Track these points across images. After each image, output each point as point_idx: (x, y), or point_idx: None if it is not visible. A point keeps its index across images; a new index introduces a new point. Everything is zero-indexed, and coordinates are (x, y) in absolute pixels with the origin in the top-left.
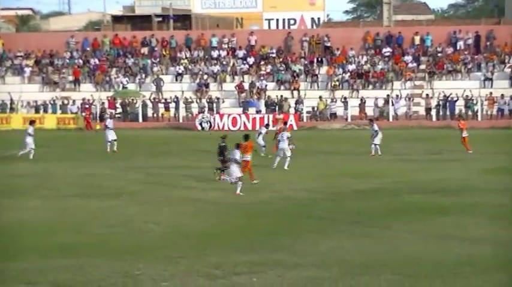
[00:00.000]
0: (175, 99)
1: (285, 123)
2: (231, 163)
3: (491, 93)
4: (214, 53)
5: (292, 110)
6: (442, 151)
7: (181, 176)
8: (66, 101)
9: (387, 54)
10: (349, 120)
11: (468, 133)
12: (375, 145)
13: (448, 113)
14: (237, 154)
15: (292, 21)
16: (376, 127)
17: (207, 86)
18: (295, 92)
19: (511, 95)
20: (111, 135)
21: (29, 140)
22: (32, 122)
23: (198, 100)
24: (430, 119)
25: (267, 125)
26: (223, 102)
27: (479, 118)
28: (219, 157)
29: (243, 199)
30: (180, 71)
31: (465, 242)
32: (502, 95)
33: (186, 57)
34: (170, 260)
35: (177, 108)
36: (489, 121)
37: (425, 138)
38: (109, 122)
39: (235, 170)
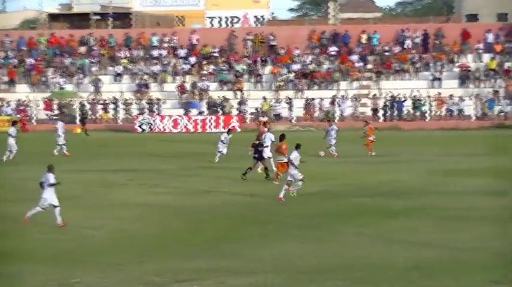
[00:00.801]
0: (114, 101)
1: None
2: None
3: (439, 93)
4: (155, 53)
5: (235, 111)
6: (389, 152)
7: (122, 179)
8: (0, 103)
9: (333, 53)
10: (294, 121)
11: (416, 134)
12: (331, 145)
13: (395, 113)
14: (294, 155)
15: (235, 20)
16: (335, 127)
17: (147, 86)
18: (239, 93)
19: (460, 96)
20: (61, 139)
21: (11, 141)
22: (14, 123)
23: (137, 101)
24: (377, 120)
25: (229, 131)
26: (164, 103)
27: (427, 119)
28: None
29: (188, 203)
30: (119, 71)
31: (413, 245)
32: (451, 95)
33: (126, 57)
34: (110, 267)
35: (116, 109)
36: (437, 122)
37: None
38: (59, 125)
39: (295, 172)
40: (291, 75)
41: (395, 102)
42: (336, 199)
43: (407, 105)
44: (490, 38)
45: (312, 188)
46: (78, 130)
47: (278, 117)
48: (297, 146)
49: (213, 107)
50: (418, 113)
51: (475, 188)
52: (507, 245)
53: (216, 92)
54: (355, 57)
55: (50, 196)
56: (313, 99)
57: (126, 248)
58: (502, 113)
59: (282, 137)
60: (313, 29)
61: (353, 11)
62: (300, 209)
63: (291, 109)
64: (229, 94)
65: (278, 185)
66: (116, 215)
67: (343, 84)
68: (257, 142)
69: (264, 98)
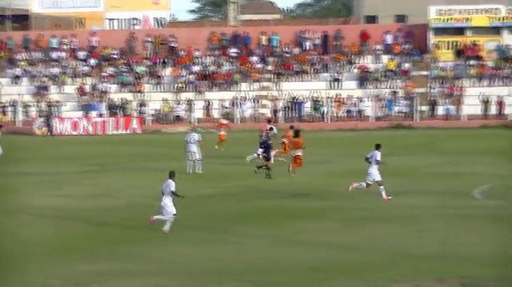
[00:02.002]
0: (12, 103)
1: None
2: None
3: (338, 94)
4: (54, 55)
5: (135, 113)
6: (289, 153)
7: (22, 182)
8: None
9: (233, 54)
10: (194, 123)
11: (316, 135)
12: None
13: (295, 114)
14: (378, 155)
15: (135, 22)
16: (275, 129)
17: (46, 89)
18: (139, 94)
19: (360, 96)
20: None
21: None
22: None
23: (37, 104)
24: (277, 121)
25: (194, 130)
26: (63, 105)
27: (327, 120)
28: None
29: (85, 205)
30: (18, 74)
31: (316, 247)
32: (350, 96)
33: (25, 59)
34: (8, 271)
35: (14, 112)
36: (337, 123)
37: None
38: None
39: (375, 173)
40: (191, 77)
41: (295, 104)
42: (236, 201)
43: (307, 107)
44: (389, 39)
45: (208, 189)
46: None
47: (178, 119)
48: (378, 147)
49: (113, 109)
50: (317, 114)
51: (376, 189)
52: (406, 244)
53: (116, 94)
54: (255, 59)
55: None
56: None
57: (24, 253)
58: (401, 114)
59: (297, 133)
60: (213, 31)
61: (253, 12)
62: (198, 211)
63: (191, 111)
64: (129, 96)
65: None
66: (15, 218)
67: (243, 86)
68: (265, 139)
69: (165, 100)
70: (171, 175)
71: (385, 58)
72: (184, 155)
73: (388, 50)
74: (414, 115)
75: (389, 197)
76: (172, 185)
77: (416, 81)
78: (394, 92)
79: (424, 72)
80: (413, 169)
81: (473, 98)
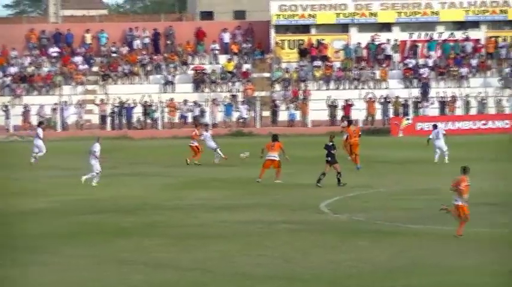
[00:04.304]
0: None
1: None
2: None
3: (172, 98)
4: None
5: None
6: (118, 164)
7: None
8: None
9: (54, 54)
10: (11, 131)
11: (146, 143)
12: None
13: (124, 121)
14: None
15: None
16: (208, 135)
17: None
18: None
19: (195, 101)
20: None
21: None
22: None
23: None
24: (104, 128)
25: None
26: None
27: (159, 126)
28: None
29: None
30: None
31: (145, 266)
32: (185, 100)
33: None
34: None
35: None
36: (170, 130)
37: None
38: None
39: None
40: (8, 80)
41: (124, 109)
42: (64, 216)
43: (138, 112)
44: (227, 37)
45: (40, 204)
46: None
47: None
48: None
49: None
50: (149, 121)
51: (209, 202)
52: (246, 263)
53: None
54: (78, 59)
55: None
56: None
57: None
58: (241, 119)
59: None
60: (32, 28)
61: (77, 7)
62: (22, 229)
63: (7, 117)
64: None
65: None
66: None
67: (66, 89)
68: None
69: None
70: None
71: (222, 58)
72: None
73: (226, 49)
74: (255, 121)
75: None
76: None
77: (257, 84)
78: (233, 96)
79: (266, 74)
80: (250, 180)
81: (320, 102)
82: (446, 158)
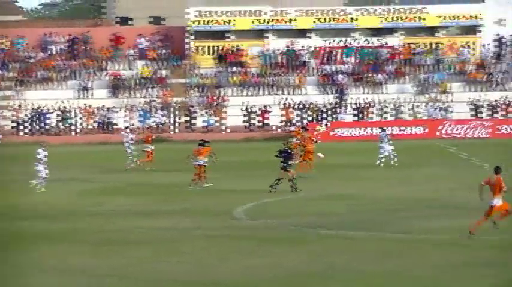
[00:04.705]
0: None
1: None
2: None
3: (89, 104)
4: None
5: None
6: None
7: None
8: None
9: None
10: None
11: (63, 149)
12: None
13: (40, 127)
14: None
15: None
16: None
17: None
18: None
19: (112, 107)
20: None
21: None
22: None
23: None
24: (19, 135)
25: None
26: None
27: (76, 133)
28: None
29: None
30: None
31: (65, 273)
32: (101, 106)
33: None
34: None
35: None
36: (86, 136)
37: (16, 156)
38: None
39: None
40: None
41: (40, 115)
42: None
43: (54, 118)
44: (144, 43)
45: None
46: None
47: None
48: (497, 170)
49: None
50: (65, 127)
51: (128, 208)
52: (164, 269)
53: None
54: None
55: None
56: None
57: None
58: (159, 126)
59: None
60: None
61: None
62: None
63: None
64: None
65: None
66: None
67: None
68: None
69: None
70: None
71: (139, 64)
72: None
73: (142, 55)
74: (172, 127)
75: None
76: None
77: (174, 90)
78: (150, 102)
79: (183, 80)
80: (169, 186)
81: (236, 108)
82: (394, 160)
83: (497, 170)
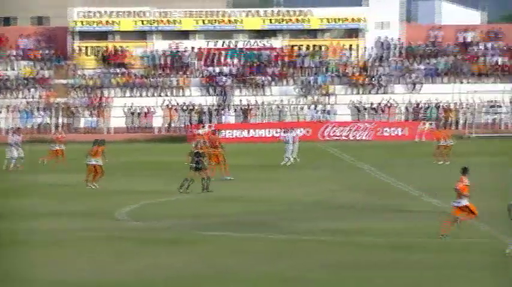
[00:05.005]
0: None
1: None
2: None
3: None
4: None
5: None
6: None
7: None
8: None
9: None
10: None
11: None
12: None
13: None
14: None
15: None
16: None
17: None
18: None
19: None
20: None
21: None
22: None
23: None
24: None
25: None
26: None
27: None
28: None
29: None
30: None
31: None
32: None
33: None
34: None
35: None
36: None
37: None
38: None
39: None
40: None
41: None
42: None
43: None
44: (26, 43)
45: None
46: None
47: None
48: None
49: None
50: None
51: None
52: (48, 270)
53: None
54: None
55: None
56: None
57: None
58: (40, 126)
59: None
60: None
61: None
62: None
63: None
64: None
65: None
66: None
67: None
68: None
69: None
70: None
71: (21, 64)
72: None
73: (25, 55)
74: (54, 128)
75: None
76: None
77: (56, 91)
78: (32, 103)
79: (65, 81)
80: (53, 186)
81: (120, 109)
82: (291, 160)
83: (464, 171)
